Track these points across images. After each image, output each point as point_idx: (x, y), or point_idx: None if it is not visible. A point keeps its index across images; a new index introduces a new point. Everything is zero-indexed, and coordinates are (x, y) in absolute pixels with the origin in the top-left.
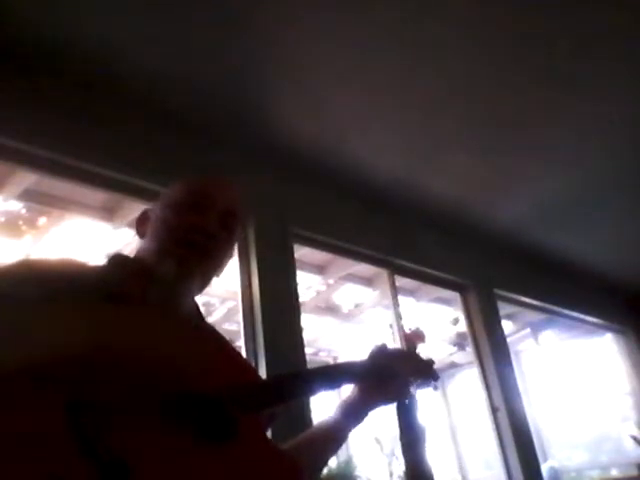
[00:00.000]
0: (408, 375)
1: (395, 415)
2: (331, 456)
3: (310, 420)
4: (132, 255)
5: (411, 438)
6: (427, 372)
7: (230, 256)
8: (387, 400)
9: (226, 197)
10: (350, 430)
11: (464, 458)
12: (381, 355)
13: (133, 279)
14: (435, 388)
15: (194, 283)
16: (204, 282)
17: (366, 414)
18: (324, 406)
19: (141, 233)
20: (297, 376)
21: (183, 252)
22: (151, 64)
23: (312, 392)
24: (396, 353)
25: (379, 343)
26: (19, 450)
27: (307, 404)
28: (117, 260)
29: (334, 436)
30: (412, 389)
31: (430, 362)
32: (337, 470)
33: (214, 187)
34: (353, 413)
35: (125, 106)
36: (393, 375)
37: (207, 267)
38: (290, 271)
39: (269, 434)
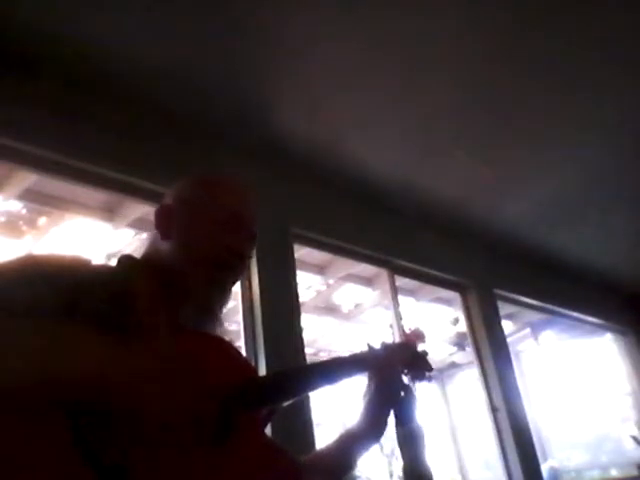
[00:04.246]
0: (400, 364)
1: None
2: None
3: (310, 417)
4: (145, 254)
5: (408, 432)
6: (420, 363)
7: None
8: (387, 396)
9: (253, 217)
10: (378, 437)
11: (464, 458)
12: (377, 348)
13: (142, 281)
14: (429, 380)
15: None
16: None
17: (385, 419)
18: (324, 403)
19: (164, 233)
20: (296, 373)
21: (224, 276)
22: (152, 64)
23: (312, 389)
24: (389, 344)
25: (380, 341)
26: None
27: (307, 401)
28: (127, 262)
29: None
30: (408, 381)
31: (423, 353)
32: None
33: (245, 205)
34: (375, 423)
35: (125, 106)
36: (384, 364)
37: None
38: (290, 271)
39: (268, 430)
